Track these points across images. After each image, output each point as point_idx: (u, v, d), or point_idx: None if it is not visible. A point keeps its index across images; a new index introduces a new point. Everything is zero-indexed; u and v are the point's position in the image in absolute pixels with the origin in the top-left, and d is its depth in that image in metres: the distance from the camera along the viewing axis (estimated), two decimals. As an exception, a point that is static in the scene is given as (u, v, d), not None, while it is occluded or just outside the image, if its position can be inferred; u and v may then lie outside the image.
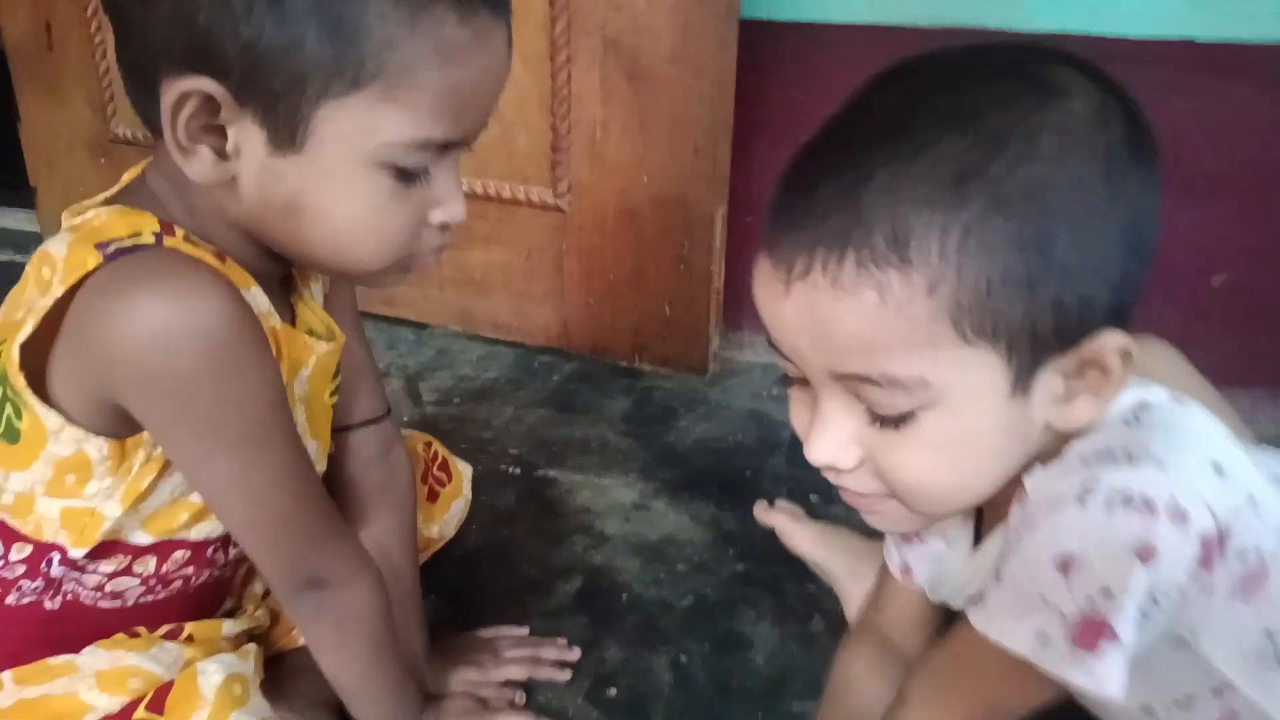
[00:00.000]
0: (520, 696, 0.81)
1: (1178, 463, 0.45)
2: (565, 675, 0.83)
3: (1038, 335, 0.46)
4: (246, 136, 0.53)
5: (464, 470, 0.95)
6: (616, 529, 1.02)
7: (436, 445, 0.94)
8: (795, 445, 1.23)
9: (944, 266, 0.44)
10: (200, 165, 0.53)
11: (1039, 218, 0.44)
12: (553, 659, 0.84)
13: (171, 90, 0.51)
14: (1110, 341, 0.47)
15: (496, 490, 1.08)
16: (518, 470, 1.12)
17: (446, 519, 0.91)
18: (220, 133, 0.53)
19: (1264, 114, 1.08)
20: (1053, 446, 0.51)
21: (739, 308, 1.29)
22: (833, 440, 0.51)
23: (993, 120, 0.45)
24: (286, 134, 0.52)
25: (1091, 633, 0.44)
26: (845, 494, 0.55)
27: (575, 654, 0.85)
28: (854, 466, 0.51)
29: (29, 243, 1.62)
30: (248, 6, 0.49)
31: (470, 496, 0.94)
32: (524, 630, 0.88)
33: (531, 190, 1.25)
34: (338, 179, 0.53)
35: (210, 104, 0.51)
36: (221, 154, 0.53)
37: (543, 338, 1.34)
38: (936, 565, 0.66)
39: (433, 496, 0.90)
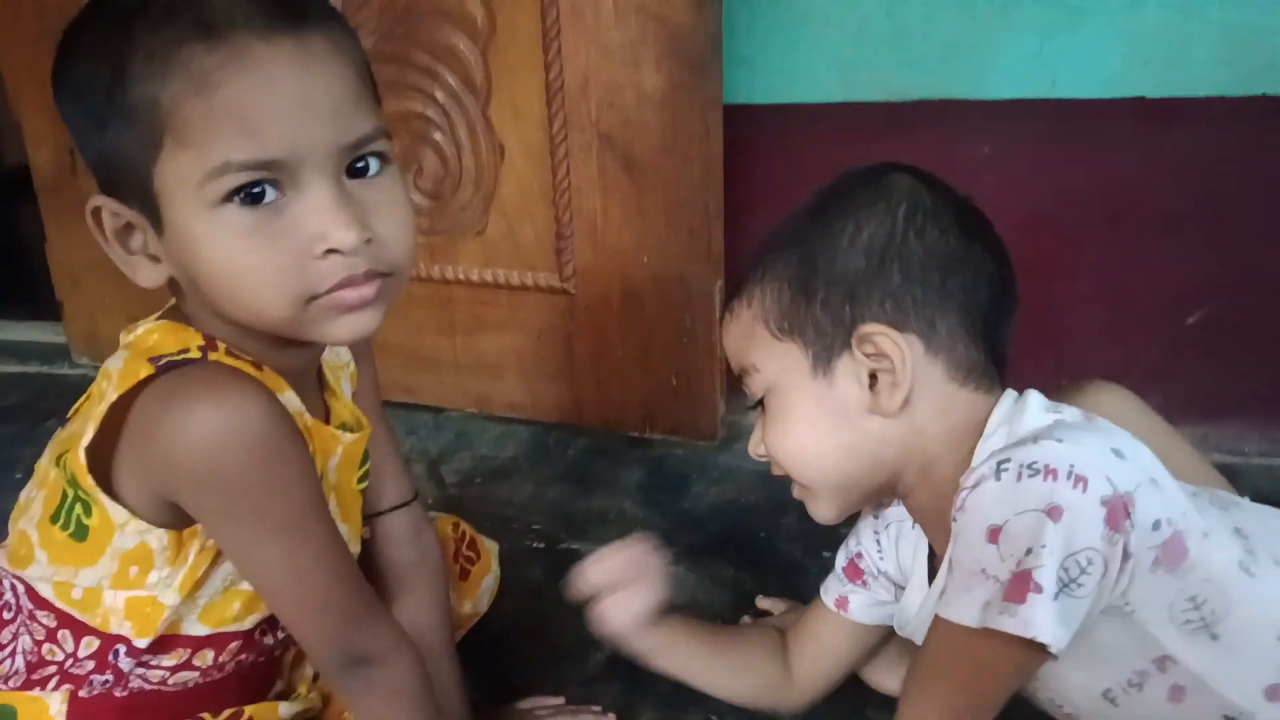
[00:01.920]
0: (562, 763, 0.84)
1: (1077, 440, 0.55)
2: (603, 740, 0.87)
3: (820, 328, 0.64)
4: (145, 231, 0.60)
5: (491, 547, 1.00)
6: (641, 595, 1.06)
7: (464, 526, 0.98)
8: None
9: (755, 288, 0.68)
10: (145, 271, 0.61)
11: (809, 245, 0.65)
12: (590, 724, 0.88)
13: (87, 211, 0.60)
14: (870, 329, 0.62)
15: (523, 565, 1.11)
16: (542, 545, 1.16)
17: (479, 595, 0.95)
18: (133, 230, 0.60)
19: (1212, 157, 1.16)
20: (955, 459, 0.63)
21: (742, 374, 1.34)
22: (754, 436, 0.71)
23: (831, 206, 0.66)
24: (154, 215, 0.59)
25: (1019, 587, 0.53)
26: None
27: (612, 719, 0.89)
28: (763, 453, 0.70)
29: (55, 354, 1.69)
30: (92, 125, 0.57)
31: (499, 572, 0.99)
32: (560, 699, 0.91)
33: (539, 276, 1.32)
34: (195, 234, 0.57)
35: (112, 213, 0.60)
36: (152, 258, 0.61)
37: (556, 414, 1.39)
38: (899, 609, 0.75)
39: (464, 575, 0.95)
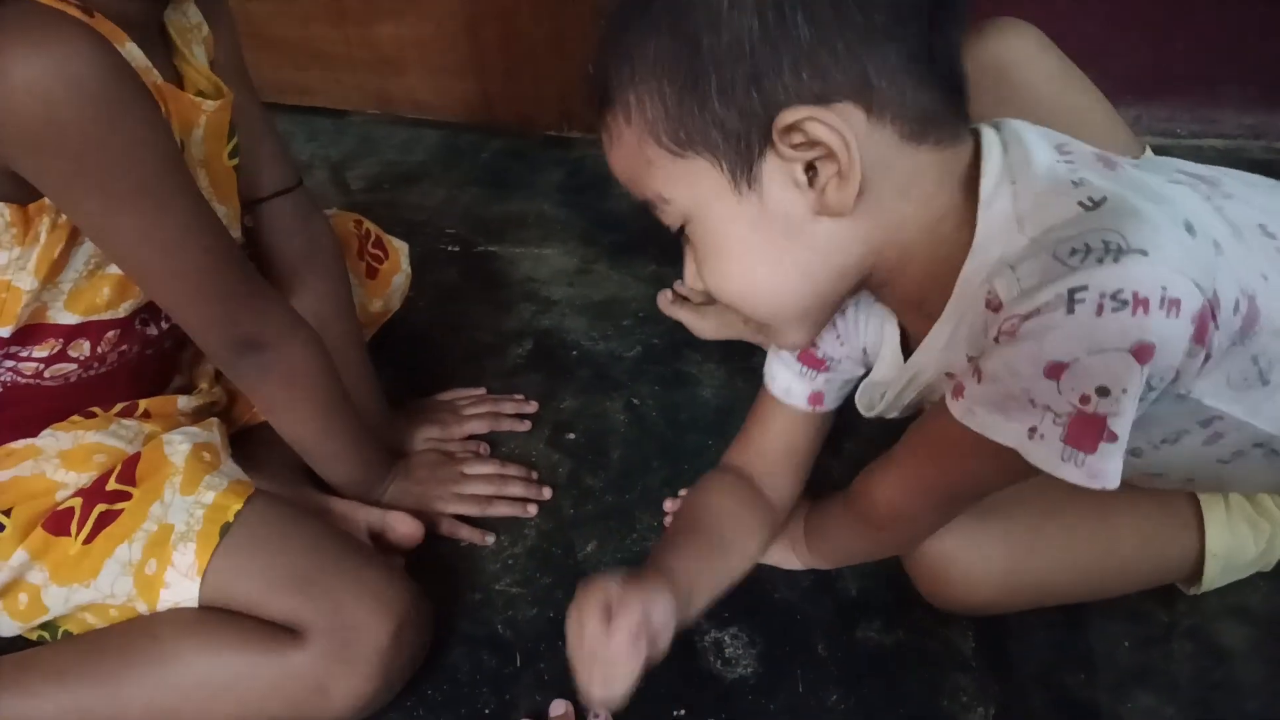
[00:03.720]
0: (485, 448, 0.85)
1: (1159, 244, 0.43)
2: (525, 426, 0.87)
3: (727, 129, 0.47)
4: None
5: (401, 247, 0.95)
6: (561, 294, 1.04)
7: (367, 223, 0.92)
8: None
9: (627, 94, 0.49)
10: None
11: (679, 19, 0.47)
12: (512, 412, 0.88)
13: None
14: (791, 117, 0.46)
15: (439, 269, 1.07)
16: (457, 248, 1.11)
17: (389, 293, 0.92)
18: None
19: None
20: (942, 233, 0.50)
21: (666, 65, 1.24)
22: (686, 269, 0.56)
23: None
24: None
25: (1089, 433, 0.44)
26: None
27: (533, 406, 0.89)
28: (703, 288, 0.54)
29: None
30: None
31: (410, 271, 0.94)
32: (481, 390, 0.91)
33: (434, -50, 1.16)
34: None
35: None
36: None
37: (466, 113, 1.29)
38: (863, 389, 0.65)
39: (371, 273, 0.90)
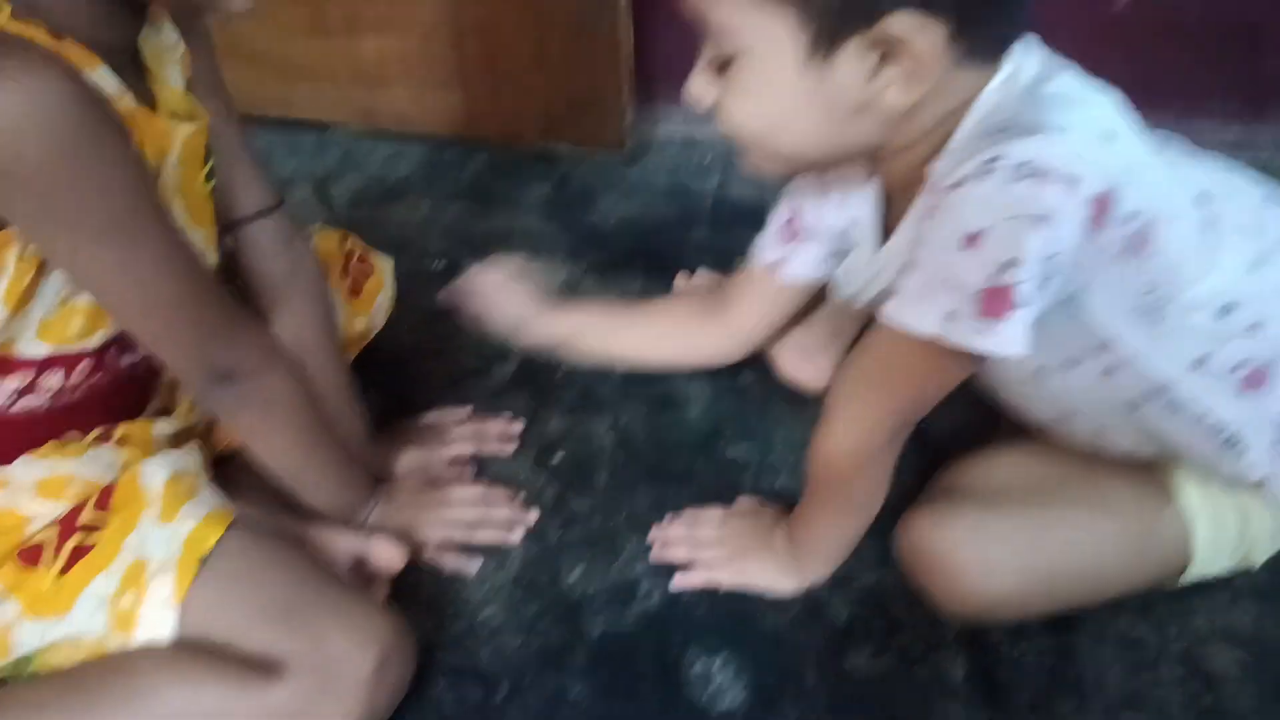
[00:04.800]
0: (469, 471, 0.84)
1: (1073, 128, 0.48)
2: (511, 447, 0.86)
3: (829, 5, 0.51)
4: None
5: (385, 264, 0.94)
6: (547, 311, 1.03)
7: (353, 240, 0.91)
8: (717, 216, 1.24)
9: None
10: None
11: None
12: (497, 433, 0.87)
13: None
14: (902, 22, 0.49)
15: (423, 288, 1.05)
16: (442, 265, 1.10)
17: (373, 312, 0.91)
18: None
19: None
20: (938, 135, 0.55)
21: (652, 79, 1.24)
22: (697, 80, 0.58)
23: None
24: None
25: (997, 302, 0.48)
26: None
27: (518, 427, 0.88)
28: (710, 105, 0.58)
29: None
30: None
31: (394, 288, 0.93)
32: (466, 411, 0.89)
33: (418, -36, 1.15)
34: None
35: None
36: None
37: (449, 127, 1.28)
38: (841, 272, 0.71)
39: (356, 290, 0.89)
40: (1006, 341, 0.49)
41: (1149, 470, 0.66)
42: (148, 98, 0.62)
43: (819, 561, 0.72)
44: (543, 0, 1.14)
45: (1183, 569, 0.67)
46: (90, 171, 0.51)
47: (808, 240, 0.75)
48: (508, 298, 0.83)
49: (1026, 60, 0.55)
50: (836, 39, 0.51)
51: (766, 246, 0.78)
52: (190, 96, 0.65)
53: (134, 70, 0.61)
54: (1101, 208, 0.48)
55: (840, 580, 0.72)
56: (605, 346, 0.83)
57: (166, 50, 0.65)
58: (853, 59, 0.52)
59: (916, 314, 0.52)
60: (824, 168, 0.62)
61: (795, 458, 0.82)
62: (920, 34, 0.49)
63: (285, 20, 1.23)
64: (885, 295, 0.60)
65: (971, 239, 0.48)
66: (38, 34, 0.50)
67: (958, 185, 0.49)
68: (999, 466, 0.71)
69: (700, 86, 0.58)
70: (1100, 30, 1.15)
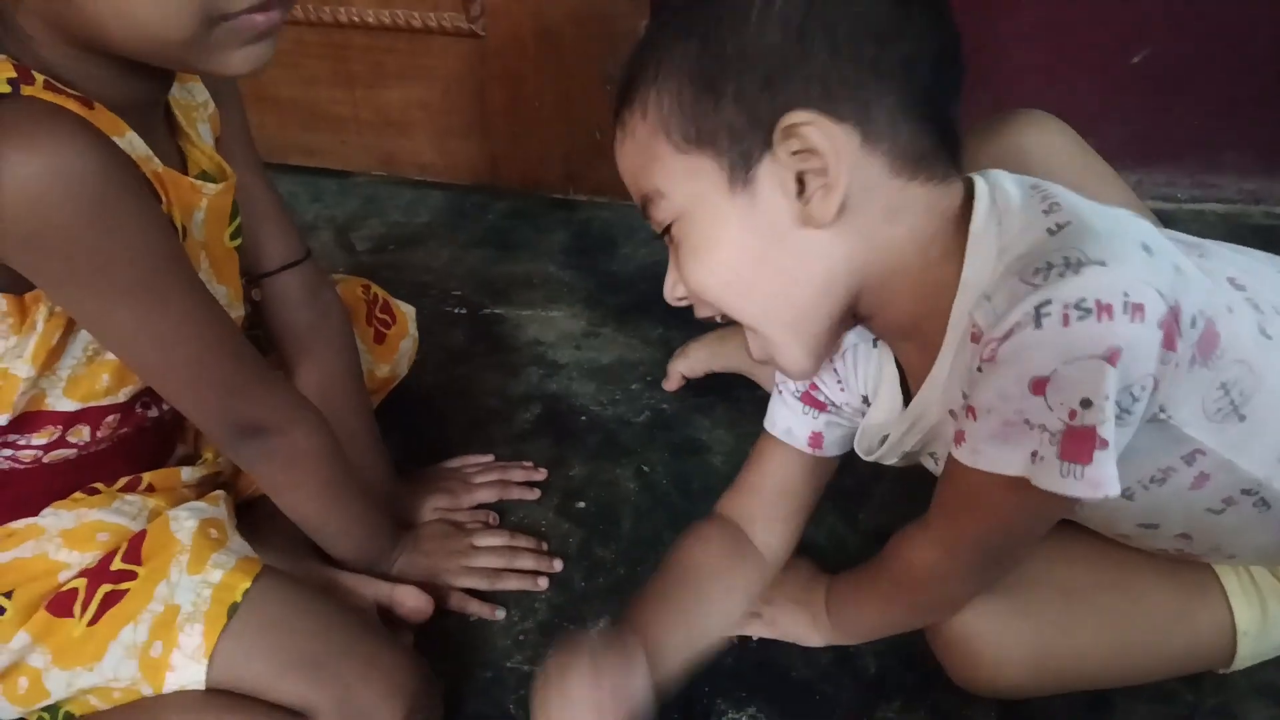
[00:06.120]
0: (494, 518, 0.84)
1: (1117, 256, 0.46)
2: (535, 494, 0.86)
3: (735, 130, 0.51)
4: None
5: (408, 310, 0.94)
6: (569, 357, 1.03)
7: (375, 288, 0.92)
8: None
9: (648, 92, 0.53)
10: None
11: (709, 29, 0.51)
12: (521, 480, 0.87)
13: None
14: (795, 119, 0.49)
15: (445, 331, 1.07)
16: (463, 310, 1.11)
17: (397, 359, 0.91)
18: None
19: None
20: (932, 272, 0.53)
21: (670, 128, 1.25)
22: (668, 279, 0.58)
23: None
24: None
25: (1080, 444, 0.46)
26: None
27: (542, 474, 0.88)
28: (684, 295, 0.58)
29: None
30: None
31: (417, 335, 0.94)
32: (489, 457, 0.90)
33: (443, 17, 1.17)
34: None
35: None
36: None
37: (471, 175, 1.30)
38: (861, 433, 0.65)
39: (379, 338, 0.90)
40: (1097, 484, 0.46)
41: (1189, 562, 0.65)
42: (177, 156, 0.63)
43: (850, 639, 0.71)
44: (565, 52, 1.16)
45: (1228, 658, 0.65)
46: (116, 238, 0.52)
47: (836, 412, 0.68)
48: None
49: (997, 179, 0.54)
50: (750, 163, 0.51)
51: (792, 422, 0.68)
52: (218, 154, 0.66)
53: (164, 128, 0.62)
54: (1172, 327, 0.46)
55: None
56: (687, 649, 0.64)
57: (196, 107, 0.67)
58: (770, 177, 0.51)
59: (996, 459, 0.49)
60: (829, 326, 0.56)
61: (818, 510, 0.82)
62: (815, 130, 0.49)
63: (310, 70, 1.26)
64: (929, 444, 0.59)
65: (1038, 384, 0.46)
66: (69, 102, 0.51)
67: (1009, 335, 0.46)
68: (1035, 554, 0.65)
69: (670, 281, 0.58)
70: (1118, 82, 1.17)
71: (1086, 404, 0.45)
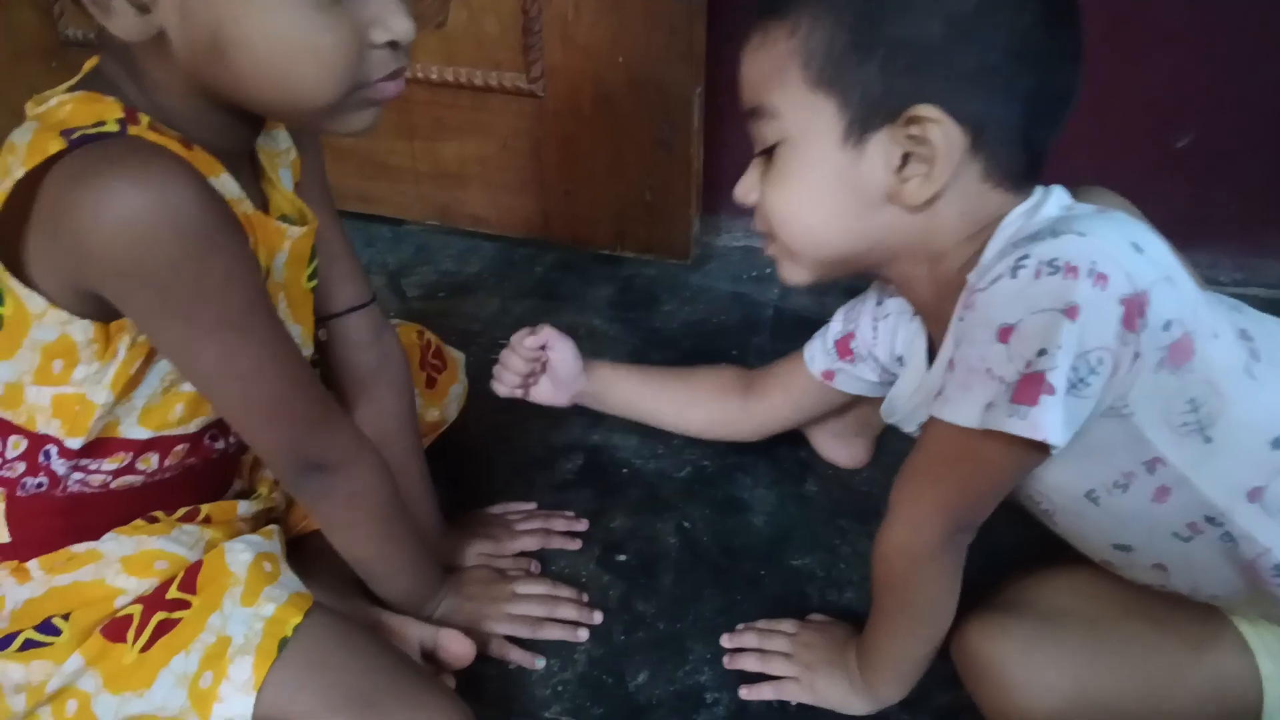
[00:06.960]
0: (536, 566, 0.84)
1: (1097, 234, 0.51)
2: (576, 544, 0.87)
3: (868, 92, 0.56)
4: None
5: (458, 357, 0.96)
6: (612, 410, 1.04)
7: (429, 334, 0.94)
8: (779, 324, 1.26)
9: (804, 18, 0.57)
10: (122, 20, 0.51)
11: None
12: (563, 529, 0.87)
13: None
14: (926, 112, 0.54)
15: (490, 378, 1.08)
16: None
17: (446, 403, 0.93)
18: None
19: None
20: (968, 252, 0.59)
21: (717, 192, 1.28)
22: (746, 179, 0.64)
23: None
24: None
25: (1030, 388, 0.51)
26: (764, 244, 0.67)
27: (584, 525, 0.89)
28: (753, 200, 0.63)
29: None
30: None
31: (466, 382, 0.96)
32: (532, 505, 0.90)
33: (505, 76, 1.22)
34: (249, 2, 0.51)
35: None
36: (140, 6, 0.52)
37: (522, 229, 1.33)
38: (889, 398, 0.74)
39: (431, 383, 0.91)
40: (1038, 426, 0.50)
41: (1213, 607, 0.65)
42: (261, 199, 0.66)
43: (889, 684, 0.70)
44: (620, 116, 1.20)
45: (1257, 701, 0.64)
46: (209, 272, 0.54)
47: (860, 362, 0.79)
48: (556, 358, 0.90)
49: (1052, 195, 0.59)
50: (869, 127, 0.57)
51: (818, 355, 0.83)
52: (299, 199, 0.69)
53: (250, 172, 0.65)
54: (1133, 310, 0.50)
55: (912, 700, 0.71)
56: (630, 406, 0.91)
57: (280, 154, 0.69)
58: (881, 148, 0.57)
59: (958, 406, 0.54)
60: (848, 271, 0.65)
61: (862, 573, 0.82)
62: (939, 129, 0.55)
63: (373, 122, 1.30)
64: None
65: (1004, 332, 0.51)
66: (171, 143, 0.54)
67: (988, 287, 0.53)
68: (1062, 585, 0.70)
69: (747, 183, 0.64)
70: (1161, 164, 1.18)
71: (1041, 352, 0.50)
